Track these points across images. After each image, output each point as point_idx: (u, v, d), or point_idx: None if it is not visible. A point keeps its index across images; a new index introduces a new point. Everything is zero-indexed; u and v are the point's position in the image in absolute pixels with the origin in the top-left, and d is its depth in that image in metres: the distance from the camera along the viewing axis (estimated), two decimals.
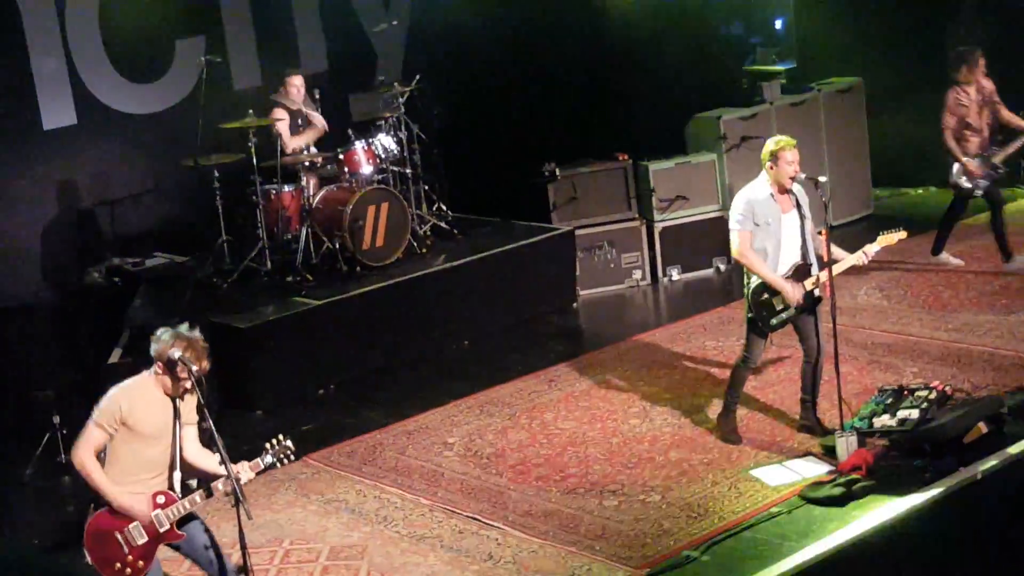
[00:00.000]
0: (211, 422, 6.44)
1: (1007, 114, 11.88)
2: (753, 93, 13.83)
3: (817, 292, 8.68)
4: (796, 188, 8.69)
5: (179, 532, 6.60)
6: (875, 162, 14.42)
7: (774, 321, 8.72)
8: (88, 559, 6.53)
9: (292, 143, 12.03)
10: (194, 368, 6.39)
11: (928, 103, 14.97)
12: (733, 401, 9.04)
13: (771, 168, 8.59)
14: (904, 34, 14.92)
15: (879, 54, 14.91)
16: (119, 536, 6.48)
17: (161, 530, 6.52)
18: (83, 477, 6.50)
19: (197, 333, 6.57)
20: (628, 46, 14.61)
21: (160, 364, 6.49)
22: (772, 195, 8.63)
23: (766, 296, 8.65)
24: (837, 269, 8.70)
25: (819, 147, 13.87)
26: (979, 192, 11.88)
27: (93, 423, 6.47)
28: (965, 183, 11.81)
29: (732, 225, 8.70)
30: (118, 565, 6.47)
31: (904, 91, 14.86)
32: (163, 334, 6.51)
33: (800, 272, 8.67)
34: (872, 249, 8.84)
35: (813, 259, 8.73)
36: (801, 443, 8.78)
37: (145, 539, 6.52)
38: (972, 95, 11.80)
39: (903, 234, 9.07)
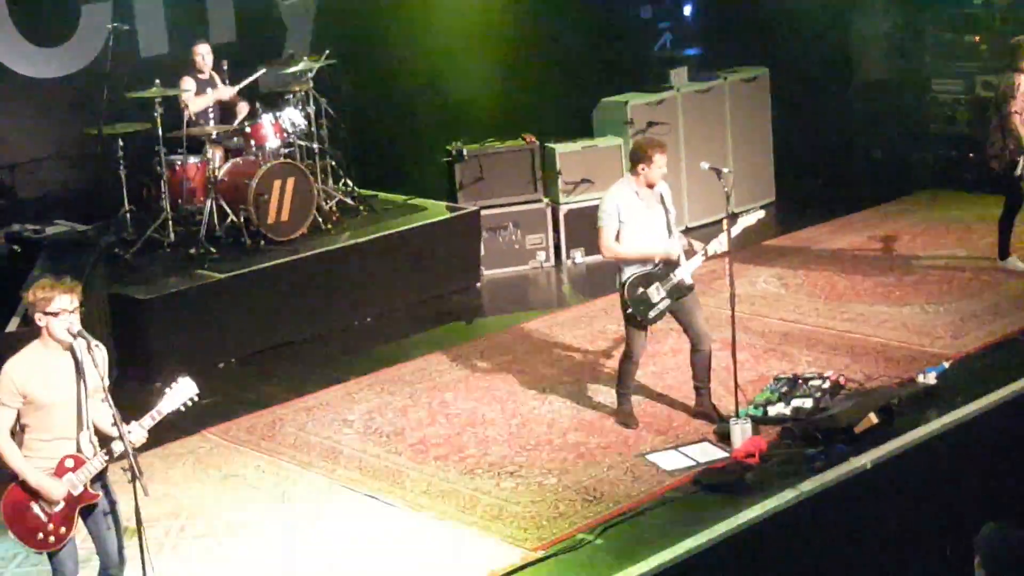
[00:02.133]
0: (106, 381, 6.41)
1: None
2: (661, 79, 13.94)
3: (689, 281, 8.83)
4: (661, 184, 8.88)
5: (93, 492, 6.56)
6: (778, 151, 14.61)
7: (652, 314, 8.84)
8: (11, 534, 6.49)
9: (195, 104, 11.91)
10: (54, 297, 6.31)
11: (832, 94, 15.19)
12: (625, 393, 9.17)
13: (643, 168, 8.74)
14: (810, 25, 15.11)
15: (785, 44, 15.08)
16: (36, 506, 6.44)
17: (76, 493, 6.49)
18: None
19: (65, 280, 6.48)
20: (538, 28, 14.64)
21: (37, 322, 6.44)
22: (637, 192, 8.81)
23: (641, 290, 8.78)
24: (696, 261, 8.88)
25: (723, 134, 14.04)
26: None
27: None
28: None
29: (599, 223, 8.86)
30: (40, 535, 6.45)
31: (809, 81, 15.07)
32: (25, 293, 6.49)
33: (669, 264, 8.82)
34: (713, 247, 8.86)
35: (680, 251, 8.88)
36: (697, 429, 8.91)
37: (62, 505, 6.49)
38: None
39: (761, 213, 9.25)
